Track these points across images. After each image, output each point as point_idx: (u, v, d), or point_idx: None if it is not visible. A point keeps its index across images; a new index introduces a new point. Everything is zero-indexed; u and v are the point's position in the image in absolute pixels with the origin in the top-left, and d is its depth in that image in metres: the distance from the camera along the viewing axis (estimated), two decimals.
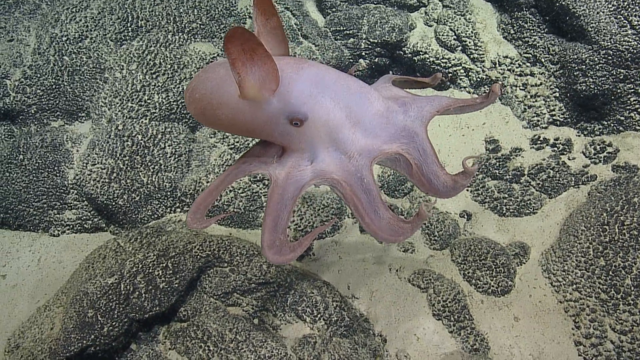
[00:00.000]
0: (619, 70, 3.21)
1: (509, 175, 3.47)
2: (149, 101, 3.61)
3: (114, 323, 2.52)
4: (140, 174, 3.39)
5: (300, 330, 2.68)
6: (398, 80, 2.16)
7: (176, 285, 2.67)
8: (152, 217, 3.44)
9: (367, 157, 1.77)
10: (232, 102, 1.64)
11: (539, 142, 3.54)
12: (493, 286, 2.97)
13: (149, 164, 3.43)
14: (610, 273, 2.74)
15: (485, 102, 1.97)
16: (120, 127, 3.45)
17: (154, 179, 3.41)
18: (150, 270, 2.67)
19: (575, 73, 3.37)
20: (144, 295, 2.60)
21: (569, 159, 3.45)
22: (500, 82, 1.93)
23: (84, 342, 2.46)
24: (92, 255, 2.97)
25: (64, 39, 3.78)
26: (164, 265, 2.70)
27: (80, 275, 2.86)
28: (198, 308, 2.72)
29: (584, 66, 3.31)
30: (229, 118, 1.68)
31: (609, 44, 3.19)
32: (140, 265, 2.67)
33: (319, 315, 2.70)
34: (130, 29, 3.83)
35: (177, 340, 2.61)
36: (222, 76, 1.66)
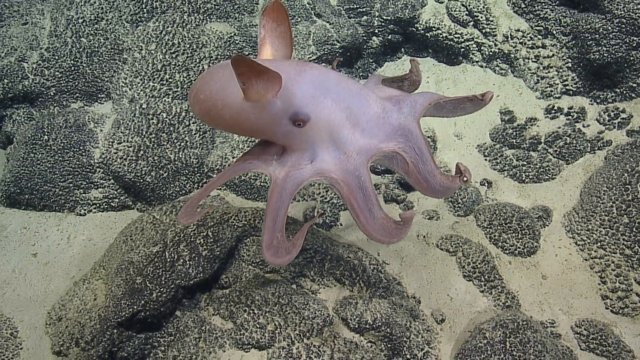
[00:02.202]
0: (632, 38, 3.33)
1: (526, 143, 3.58)
2: (170, 80, 3.65)
3: (162, 289, 2.57)
4: (167, 151, 3.43)
5: (340, 293, 2.76)
6: (387, 80, 2.26)
7: (217, 252, 2.73)
8: (180, 192, 3.49)
9: (365, 156, 1.84)
10: (236, 103, 1.69)
11: (553, 111, 3.65)
12: (519, 247, 3.07)
13: (175, 141, 3.48)
14: (634, 230, 2.86)
15: (476, 105, 2.06)
16: (144, 106, 3.49)
17: (180, 156, 3.46)
18: (192, 239, 2.72)
19: (588, 43, 3.48)
20: (188, 262, 2.66)
21: (584, 127, 3.56)
22: (492, 93, 2.03)
23: (135, 307, 2.52)
24: (128, 229, 3.01)
25: (80, 20, 3.80)
26: (205, 234, 2.76)
27: (119, 248, 2.90)
28: (238, 275, 2.78)
29: (597, 35, 3.43)
30: (233, 119, 1.73)
31: (623, 12, 3.30)
32: (182, 235, 2.73)
33: (357, 278, 2.78)
34: (145, 10, 3.86)
35: (220, 306, 2.68)
36: (227, 78, 1.70)
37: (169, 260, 2.64)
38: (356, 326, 2.60)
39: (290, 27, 1.96)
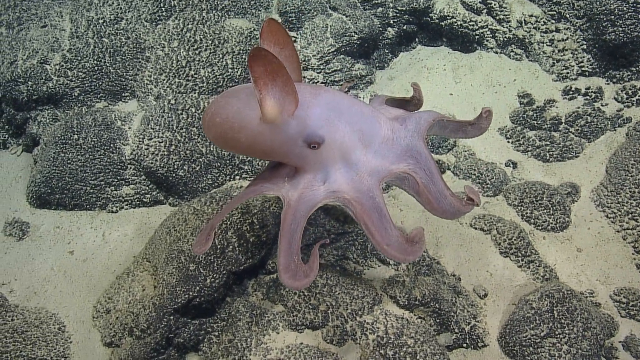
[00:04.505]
0: None
1: (547, 124, 3.67)
2: (195, 76, 3.69)
3: (215, 275, 2.62)
4: (198, 144, 3.47)
5: (385, 273, 2.82)
6: (390, 100, 2.33)
7: (264, 238, 2.79)
8: (213, 185, 3.53)
9: (377, 177, 1.89)
10: (253, 125, 1.73)
11: (571, 92, 3.76)
12: (552, 223, 3.16)
13: None
14: None
15: (477, 130, 2.14)
16: (172, 102, 3.53)
17: (212, 149, 3.50)
18: (239, 226, 2.77)
19: (604, 24, 3.59)
20: (237, 249, 2.71)
21: (602, 106, 3.67)
22: (489, 109, 2.12)
23: (191, 293, 2.56)
24: (168, 221, 3.04)
25: (101, 21, 3.83)
26: (250, 221, 2.81)
27: (162, 240, 2.94)
28: None
29: (612, 16, 3.53)
30: (249, 141, 1.77)
31: None
32: (228, 222, 2.77)
33: None
34: (163, 9, 3.91)
35: (269, 291, 2.72)
36: (244, 101, 1.76)
37: (219, 247, 2.68)
38: (406, 303, 2.66)
39: (295, 49, 1.98)
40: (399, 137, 1.92)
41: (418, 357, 2.37)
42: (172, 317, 2.58)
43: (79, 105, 3.83)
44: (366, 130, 1.88)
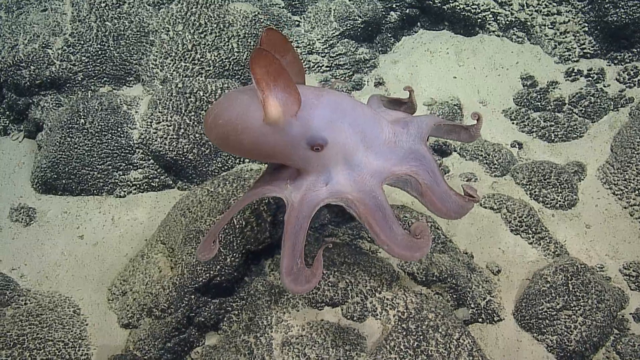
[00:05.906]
0: None
1: (550, 105, 3.73)
2: (202, 59, 3.68)
3: (234, 254, 2.63)
4: None
5: None
6: (385, 99, 2.36)
7: (281, 218, 2.79)
8: (222, 168, 3.53)
9: (378, 178, 1.89)
10: (256, 126, 1.72)
11: (573, 74, 3.82)
12: (560, 201, 3.22)
13: None
14: None
15: (470, 136, 2.16)
16: (180, 85, 3.51)
17: None
18: (256, 207, 2.78)
19: (606, 6, 3.65)
20: (255, 228, 2.71)
21: (604, 87, 3.73)
22: (479, 113, 2.15)
23: (211, 272, 2.57)
24: (182, 204, 3.04)
25: (103, 5, 3.80)
26: (266, 201, 2.82)
27: (177, 222, 2.93)
28: None
29: None
30: (251, 142, 1.75)
31: None
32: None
33: None
34: None
35: None
36: (246, 102, 1.74)
37: (237, 226, 2.69)
38: (424, 279, 2.69)
39: (297, 54, 1.97)
40: (401, 140, 1.94)
41: (440, 330, 2.41)
42: (192, 297, 2.58)
43: (83, 89, 3.80)
44: (368, 132, 1.89)
